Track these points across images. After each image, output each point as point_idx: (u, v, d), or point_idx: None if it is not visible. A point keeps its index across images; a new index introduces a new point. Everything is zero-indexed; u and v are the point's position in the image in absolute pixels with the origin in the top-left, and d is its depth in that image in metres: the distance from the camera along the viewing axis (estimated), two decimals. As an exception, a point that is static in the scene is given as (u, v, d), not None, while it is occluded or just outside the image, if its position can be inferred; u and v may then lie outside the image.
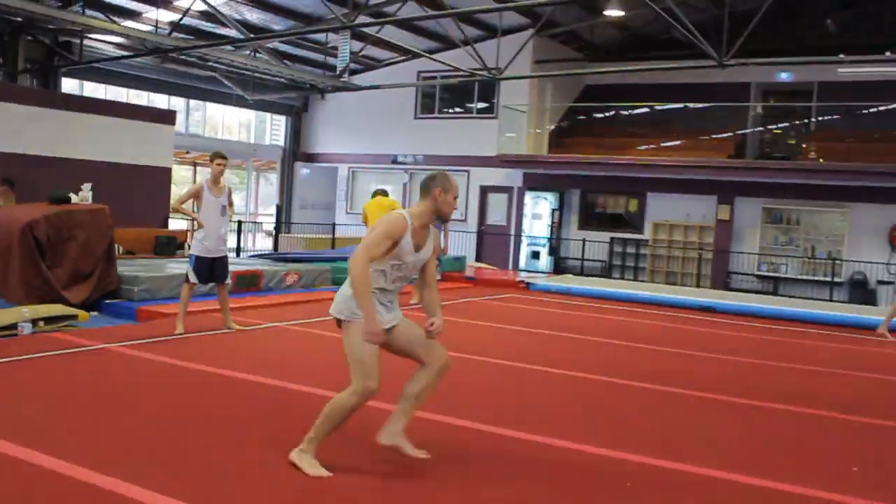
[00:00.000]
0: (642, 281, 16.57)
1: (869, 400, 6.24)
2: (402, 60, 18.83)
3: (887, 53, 14.31)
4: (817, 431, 5.20)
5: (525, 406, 5.43)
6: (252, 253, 16.33)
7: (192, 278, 7.35)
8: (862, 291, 15.35)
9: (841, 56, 13.48)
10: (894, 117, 15.83)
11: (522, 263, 18.23)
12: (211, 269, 7.40)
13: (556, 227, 18.52)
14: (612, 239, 17.56)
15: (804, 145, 16.64)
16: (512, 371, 6.56)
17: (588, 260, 17.35)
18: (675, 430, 5.00)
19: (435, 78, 18.14)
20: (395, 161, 19.52)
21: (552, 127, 18.56)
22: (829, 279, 15.52)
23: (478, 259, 17.71)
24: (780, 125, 17.61)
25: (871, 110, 16.04)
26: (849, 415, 5.52)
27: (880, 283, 15.35)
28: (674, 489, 3.88)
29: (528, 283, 13.82)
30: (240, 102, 18.55)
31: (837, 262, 15.59)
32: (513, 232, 18.05)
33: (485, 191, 18.59)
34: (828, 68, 15.48)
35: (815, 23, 16.74)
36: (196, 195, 7.34)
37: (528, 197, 18.32)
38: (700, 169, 15.93)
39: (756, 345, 9.06)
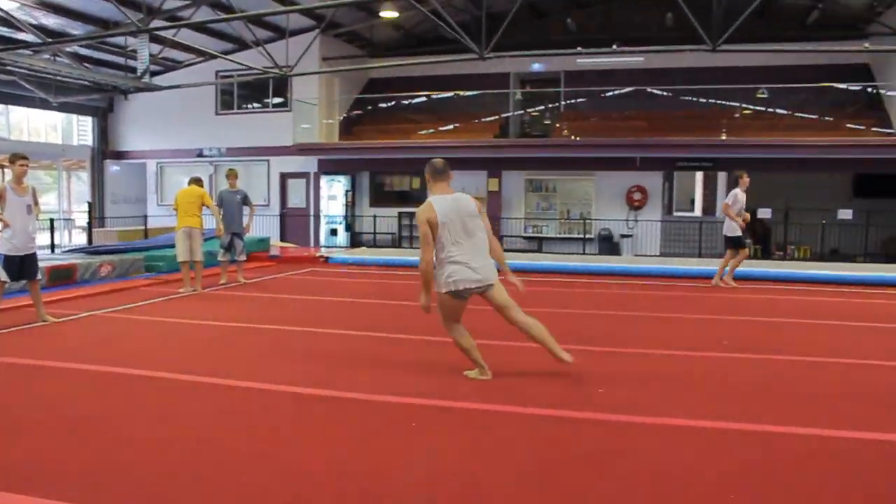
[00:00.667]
0: (428, 249, 18.83)
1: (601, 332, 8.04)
2: (201, 61, 19.92)
3: (614, 46, 17.25)
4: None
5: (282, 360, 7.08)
6: (67, 248, 16.83)
7: (3, 276, 7.52)
8: (609, 245, 18.38)
9: (579, 49, 16.04)
10: (627, 99, 18.90)
11: (323, 240, 19.98)
12: (21, 267, 7.60)
13: (351, 205, 20.33)
14: (399, 213, 19.69)
15: (557, 125, 19.49)
16: (273, 333, 7.65)
17: (380, 233, 19.52)
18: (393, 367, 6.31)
19: (232, 76, 19.47)
20: (200, 154, 20.72)
21: (342, 117, 20.46)
22: (581, 236, 18.52)
23: (282, 239, 19.36)
24: (536, 108, 20.45)
25: (608, 94, 19.05)
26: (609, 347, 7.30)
27: (623, 236, 18.44)
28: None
29: (327, 258, 15.18)
30: (44, 105, 18.77)
31: (588, 221, 18.60)
32: (312, 213, 19.89)
33: (284, 177, 20.30)
34: (570, 59, 18.22)
35: (559, 20, 19.59)
36: (0, 197, 7.49)
37: (324, 180, 20.11)
38: (471, 148, 18.33)
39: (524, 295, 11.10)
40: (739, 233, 11.03)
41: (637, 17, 19.58)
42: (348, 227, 20.35)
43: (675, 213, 19.25)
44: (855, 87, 18.46)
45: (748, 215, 11.33)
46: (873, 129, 17.33)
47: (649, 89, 18.43)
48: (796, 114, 18.05)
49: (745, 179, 11.19)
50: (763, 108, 18.66)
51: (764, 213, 17.85)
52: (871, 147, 16.79)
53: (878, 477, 3.69)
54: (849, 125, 17.39)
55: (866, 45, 16.43)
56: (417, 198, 19.93)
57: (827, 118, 17.82)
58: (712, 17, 11.83)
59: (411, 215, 19.65)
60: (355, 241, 20.22)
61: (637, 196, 18.44)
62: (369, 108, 21.13)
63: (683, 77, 18.40)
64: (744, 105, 18.60)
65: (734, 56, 15.93)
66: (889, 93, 17.90)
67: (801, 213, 18.30)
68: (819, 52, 16.71)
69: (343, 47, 20.02)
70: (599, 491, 3.50)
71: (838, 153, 16.87)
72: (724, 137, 17.67)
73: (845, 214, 17.65)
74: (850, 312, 9.09)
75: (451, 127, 19.50)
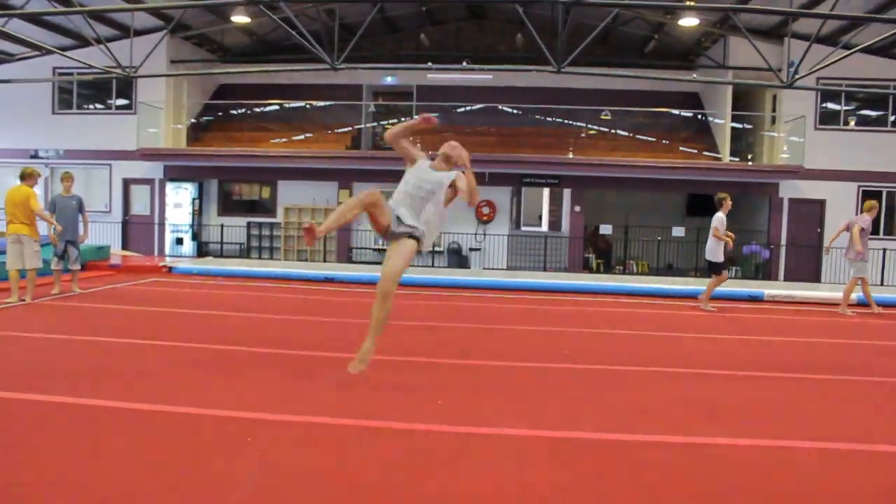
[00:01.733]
0: (277, 259, 18.58)
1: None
2: (36, 56, 18.88)
3: (465, 63, 17.66)
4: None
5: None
6: None
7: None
8: (458, 258, 18.66)
9: (430, 64, 16.33)
10: (478, 115, 19.39)
11: (168, 250, 19.27)
12: None
13: (198, 214, 19.74)
14: (248, 223, 19.34)
15: (409, 139, 19.60)
16: (101, 346, 7.52)
17: (228, 243, 19.01)
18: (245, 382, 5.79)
19: (72, 74, 18.53)
20: (35, 156, 19.52)
21: (190, 122, 19.87)
22: (432, 249, 18.68)
23: (124, 247, 18.51)
24: (389, 121, 20.59)
25: (460, 109, 19.47)
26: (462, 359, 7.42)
27: (472, 249, 18.79)
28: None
29: (170, 267, 14.60)
30: None
31: (439, 233, 18.78)
32: (157, 220, 19.13)
33: (127, 183, 19.42)
34: (423, 74, 18.47)
35: (412, 36, 19.88)
36: None
37: (170, 187, 19.44)
38: (323, 159, 18.19)
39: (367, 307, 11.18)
40: (721, 258, 10.96)
41: (488, 37, 20.17)
42: (195, 237, 19.74)
43: (523, 228, 19.82)
44: (687, 113, 19.66)
45: (730, 237, 11.06)
46: (704, 153, 18.51)
47: (500, 106, 18.96)
48: (637, 136, 19.06)
49: (728, 203, 11.23)
50: (606, 129, 19.56)
51: (605, 229, 18.66)
52: (701, 170, 17.89)
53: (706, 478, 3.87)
54: (682, 149, 18.51)
55: (694, 75, 17.66)
56: (267, 207, 19.63)
57: (664, 141, 18.90)
58: (558, 41, 12.30)
59: (261, 225, 19.36)
60: (202, 250, 19.61)
61: (486, 210, 18.83)
62: (219, 114, 20.68)
63: (533, 96, 19.08)
64: (589, 125, 19.47)
65: (580, 78, 16.70)
66: (716, 120, 19.18)
67: (640, 231, 19.26)
68: (654, 78, 17.69)
69: (193, 50, 19.49)
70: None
71: (673, 174, 17.89)
72: (570, 156, 18.37)
73: (679, 232, 18.70)
74: (685, 324, 9.61)
75: (302, 137, 19.32)
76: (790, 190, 18.22)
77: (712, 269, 11.19)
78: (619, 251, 19.50)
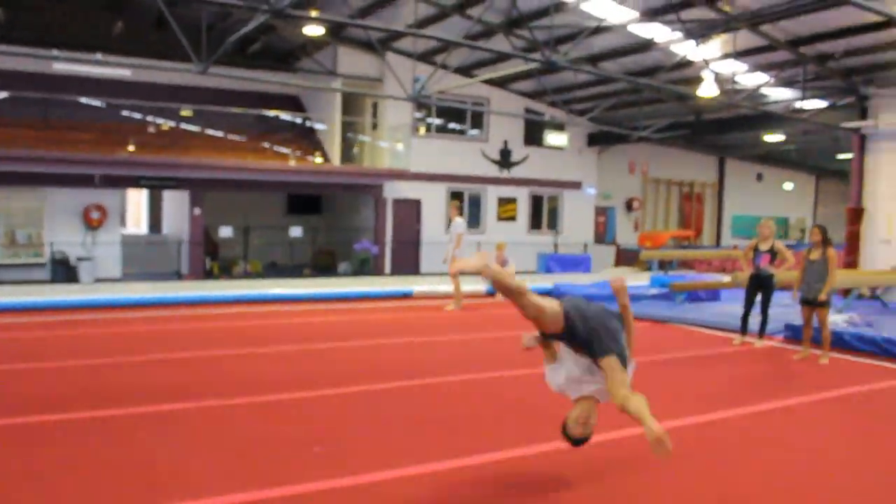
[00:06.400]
0: None
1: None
2: None
3: (54, 52, 15.98)
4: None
5: None
6: None
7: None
8: (65, 269, 16.89)
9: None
10: (75, 108, 17.58)
11: None
12: None
13: None
14: None
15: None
16: None
17: None
18: None
19: None
20: None
21: None
22: (33, 261, 16.77)
23: None
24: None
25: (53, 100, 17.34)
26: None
27: (80, 259, 17.18)
28: None
29: None
30: None
31: (39, 245, 16.90)
32: None
33: None
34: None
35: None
36: None
37: None
38: None
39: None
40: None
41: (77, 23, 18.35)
42: None
43: (139, 233, 18.81)
44: (286, 117, 20.28)
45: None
46: (311, 157, 19.45)
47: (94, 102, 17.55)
48: (260, 140, 19.25)
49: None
50: (197, 129, 19.03)
51: (226, 231, 18.60)
52: (313, 172, 18.85)
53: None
54: (285, 150, 19.16)
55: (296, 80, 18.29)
56: None
57: (274, 145, 19.37)
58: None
59: None
60: None
61: (96, 215, 17.43)
62: None
63: (136, 91, 18.11)
64: (173, 122, 18.81)
65: (180, 75, 16.35)
66: (317, 125, 20.25)
67: (259, 231, 19.60)
68: (255, 80, 17.56)
69: None
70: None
71: (287, 177, 18.52)
72: (182, 158, 17.75)
73: (296, 231, 19.44)
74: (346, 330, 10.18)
75: None
76: (393, 191, 20.08)
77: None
78: (237, 252, 19.54)
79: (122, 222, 20.82)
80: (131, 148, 17.38)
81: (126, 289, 13.91)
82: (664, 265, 19.54)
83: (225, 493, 4.24)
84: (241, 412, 6.03)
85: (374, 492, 4.34)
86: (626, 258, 23.51)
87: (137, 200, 23.73)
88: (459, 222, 12.77)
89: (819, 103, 17.21)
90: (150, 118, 18.55)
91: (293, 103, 21.15)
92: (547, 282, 15.34)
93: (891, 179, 15.40)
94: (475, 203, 21.71)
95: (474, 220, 21.57)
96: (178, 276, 18.19)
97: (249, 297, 13.18)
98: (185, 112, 18.90)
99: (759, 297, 9.82)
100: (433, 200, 20.41)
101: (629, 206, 25.91)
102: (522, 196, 22.48)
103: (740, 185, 28.94)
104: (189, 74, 13.94)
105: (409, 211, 20.54)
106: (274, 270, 19.87)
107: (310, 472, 4.60)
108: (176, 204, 20.04)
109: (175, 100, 18.48)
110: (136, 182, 17.75)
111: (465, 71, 19.25)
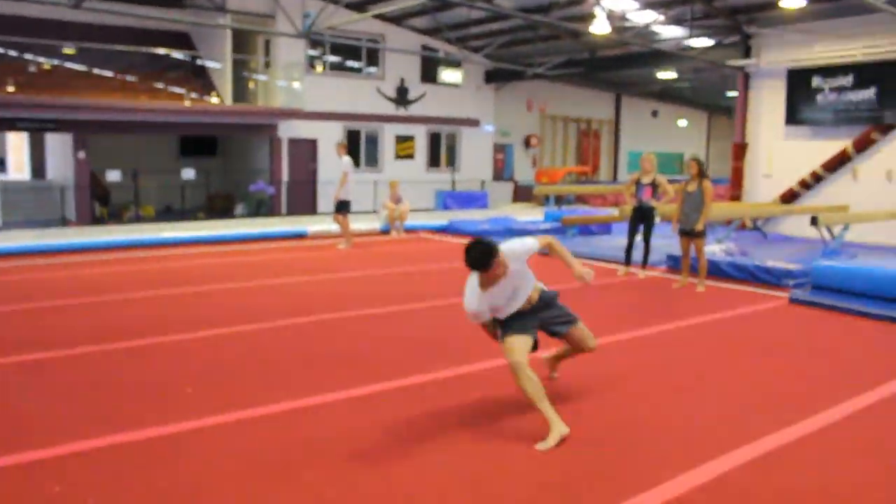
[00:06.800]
0: None
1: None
2: None
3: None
4: None
5: None
6: None
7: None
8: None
9: None
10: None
11: None
12: None
13: None
14: None
15: None
16: None
17: None
18: None
19: None
20: None
21: None
22: None
23: None
24: None
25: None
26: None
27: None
28: None
29: None
30: None
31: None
32: None
33: None
34: None
35: None
36: None
37: None
38: None
39: None
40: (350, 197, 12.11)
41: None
42: None
43: (22, 179, 17.96)
44: (177, 55, 19.51)
45: None
46: (203, 96, 18.80)
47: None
48: (151, 80, 18.40)
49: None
50: (84, 68, 18.14)
51: (114, 175, 17.95)
52: (205, 112, 18.28)
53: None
54: (178, 90, 18.50)
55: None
56: None
57: (167, 86, 18.64)
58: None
59: None
60: None
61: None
62: None
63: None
64: (57, 61, 17.93)
65: (71, 13, 15.48)
66: (209, 63, 19.56)
67: (151, 175, 18.98)
68: (140, 17, 16.75)
69: None
70: None
71: (177, 117, 17.92)
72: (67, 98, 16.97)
73: (189, 174, 18.91)
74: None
75: None
76: (289, 130, 19.72)
77: (341, 209, 12.63)
78: (128, 196, 18.89)
79: (3, 168, 19.82)
80: (11, 89, 16.44)
81: (5, 237, 13.35)
82: (560, 200, 19.97)
83: (92, 437, 4.25)
84: (117, 357, 5.99)
85: (243, 429, 4.43)
86: (523, 194, 23.96)
87: (19, 145, 22.57)
88: (346, 161, 12.64)
89: (706, 41, 17.70)
90: (29, 56, 17.52)
91: (183, 41, 20.30)
92: (443, 219, 15.51)
93: (771, 116, 16.05)
94: (372, 141, 21.56)
95: (372, 159, 21.46)
96: (64, 222, 17.51)
97: (137, 241, 12.89)
98: (69, 50, 17.95)
99: (641, 229, 10.22)
100: (329, 140, 20.13)
101: (527, 143, 26.24)
102: (420, 134, 22.44)
103: (636, 121, 29.65)
104: (72, 10, 13.22)
105: (305, 150, 20.25)
106: (168, 215, 19.35)
107: (179, 413, 4.64)
108: (60, 148, 19.12)
109: (57, 38, 17.49)
110: (12, 125, 16.85)
111: (359, 7, 18.88)
